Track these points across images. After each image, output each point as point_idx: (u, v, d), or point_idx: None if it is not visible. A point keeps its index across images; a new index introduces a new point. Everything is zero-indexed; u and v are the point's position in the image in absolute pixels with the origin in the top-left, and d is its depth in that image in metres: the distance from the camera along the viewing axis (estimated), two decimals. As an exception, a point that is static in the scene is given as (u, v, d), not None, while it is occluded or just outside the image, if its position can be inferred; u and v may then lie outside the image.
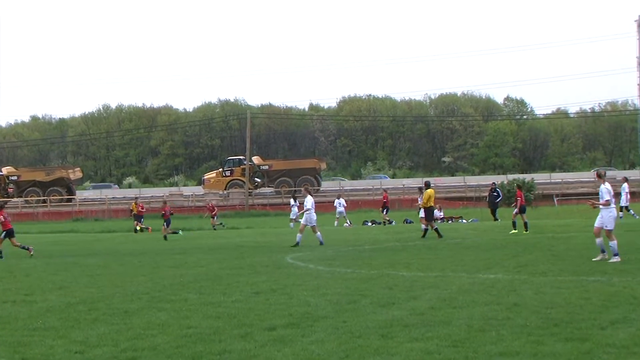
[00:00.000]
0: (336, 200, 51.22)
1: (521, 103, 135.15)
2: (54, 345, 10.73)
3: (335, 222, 49.55)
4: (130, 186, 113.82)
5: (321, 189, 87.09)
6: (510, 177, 79.55)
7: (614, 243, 19.77)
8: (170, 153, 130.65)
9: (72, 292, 16.88)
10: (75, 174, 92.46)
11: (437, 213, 52.17)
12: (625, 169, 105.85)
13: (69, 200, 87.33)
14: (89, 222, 69.52)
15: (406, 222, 50.70)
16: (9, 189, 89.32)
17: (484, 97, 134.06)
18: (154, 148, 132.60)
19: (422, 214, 36.53)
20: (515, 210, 35.11)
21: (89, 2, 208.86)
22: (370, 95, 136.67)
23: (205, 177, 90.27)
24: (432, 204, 33.12)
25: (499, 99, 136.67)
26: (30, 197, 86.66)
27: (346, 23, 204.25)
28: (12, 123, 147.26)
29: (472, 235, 32.97)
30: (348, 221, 50.06)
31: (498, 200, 47.50)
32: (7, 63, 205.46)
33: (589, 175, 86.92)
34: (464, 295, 14.33)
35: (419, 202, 37.93)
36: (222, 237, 39.50)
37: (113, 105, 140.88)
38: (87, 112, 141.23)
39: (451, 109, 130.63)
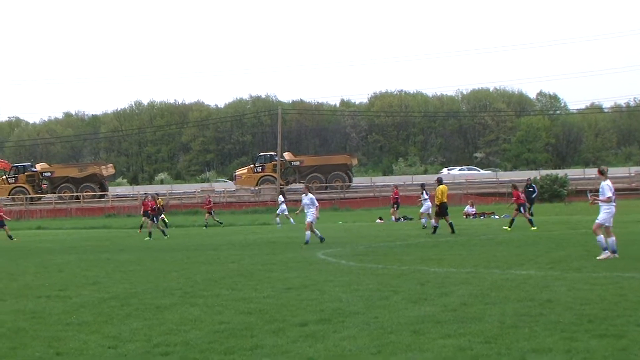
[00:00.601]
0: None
1: (554, 98, 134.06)
2: (87, 340, 10.83)
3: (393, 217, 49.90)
4: (162, 182, 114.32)
5: (352, 184, 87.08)
6: (543, 172, 79.02)
7: (600, 238, 19.78)
8: (201, 149, 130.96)
9: (105, 287, 17.02)
10: (108, 170, 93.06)
11: (470, 209, 52.03)
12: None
13: (102, 196, 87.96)
14: (121, 218, 69.98)
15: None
16: (42, 185, 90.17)
17: (516, 92, 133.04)
18: (186, 144, 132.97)
19: (423, 209, 37.81)
20: (521, 209, 35.22)
21: (119, 3, 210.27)
22: (401, 90, 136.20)
23: (236, 173, 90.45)
24: (445, 200, 33.10)
25: (532, 94, 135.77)
26: (64, 193, 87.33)
27: (377, 19, 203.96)
28: (46, 120, 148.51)
29: (504, 231, 32.83)
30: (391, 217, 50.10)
31: (534, 195, 47.16)
32: (41, 60, 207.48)
33: (624, 171, 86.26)
34: (496, 291, 14.28)
35: (420, 199, 38.96)
36: (253, 233, 39.60)
37: (145, 102, 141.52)
38: (119, 109, 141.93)
39: (483, 104, 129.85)
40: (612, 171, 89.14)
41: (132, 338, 10.90)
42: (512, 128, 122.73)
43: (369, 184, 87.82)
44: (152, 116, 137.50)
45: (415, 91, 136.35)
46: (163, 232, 38.82)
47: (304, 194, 30.90)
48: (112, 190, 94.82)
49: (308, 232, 29.22)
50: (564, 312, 11.82)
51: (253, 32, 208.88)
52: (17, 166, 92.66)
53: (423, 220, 37.68)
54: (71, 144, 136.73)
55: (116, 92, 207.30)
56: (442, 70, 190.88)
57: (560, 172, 78.43)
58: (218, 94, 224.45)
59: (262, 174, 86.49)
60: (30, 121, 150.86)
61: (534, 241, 26.39)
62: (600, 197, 20.03)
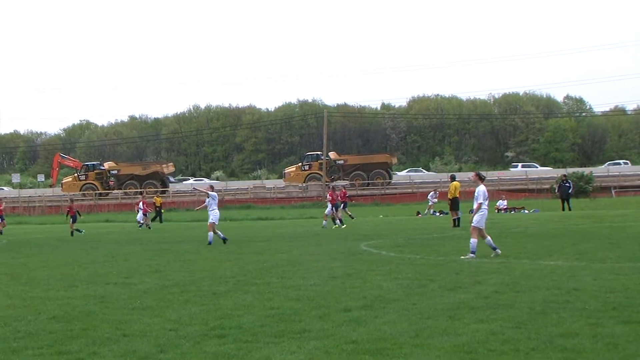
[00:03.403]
0: (431, 193, 51.71)
1: (580, 101, 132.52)
2: (150, 323, 10.91)
3: (431, 211, 49.93)
4: (217, 179, 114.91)
5: (392, 181, 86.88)
6: (570, 170, 78.09)
7: (473, 241, 18.88)
8: (253, 149, 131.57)
9: (167, 275, 17.13)
10: (169, 168, 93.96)
11: (501, 203, 51.61)
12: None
13: (163, 192, 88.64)
14: (181, 212, 70.45)
15: (471, 212, 50.22)
16: (110, 182, 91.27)
17: (544, 96, 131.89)
18: (239, 144, 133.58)
19: (327, 211, 37.32)
20: (341, 206, 36.74)
21: (181, 13, 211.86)
22: (437, 95, 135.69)
23: (286, 171, 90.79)
24: (458, 195, 33.41)
25: (559, 98, 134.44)
26: (129, 189, 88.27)
27: (416, 27, 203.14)
28: (113, 122, 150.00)
29: (534, 224, 32.52)
30: (431, 211, 50.03)
31: (570, 190, 46.62)
32: (109, 68, 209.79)
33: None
34: (526, 280, 14.14)
35: (326, 200, 39.50)
36: (300, 226, 39.64)
37: (202, 106, 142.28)
38: (179, 112, 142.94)
39: (514, 107, 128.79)
40: (635, 169, 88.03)
41: (190, 322, 10.96)
42: (540, 129, 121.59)
43: (408, 181, 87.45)
44: (209, 119, 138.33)
45: (450, 95, 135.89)
46: (79, 230, 38.62)
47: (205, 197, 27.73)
48: (173, 187, 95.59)
49: (211, 233, 26.77)
50: (589, 299, 11.67)
51: (302, 41, 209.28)
52: (87, 165, 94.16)
53: (324, 223, 36.78)
54: (135, 145, 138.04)
55: (176, 97, 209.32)
56: (476, 75, 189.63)
57: (585, 170, 77.49)
58: (269, 98, 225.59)
59: (309, 171, 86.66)
60: (99, 124, 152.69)
61: (561, 234, 26.09)
62: (475, 203, 19.13)
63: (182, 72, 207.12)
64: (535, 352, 8.53)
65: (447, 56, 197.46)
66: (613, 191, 72.13)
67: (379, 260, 19.14)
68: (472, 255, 18.64)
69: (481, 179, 19.54)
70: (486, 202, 19.16)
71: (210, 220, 27.04)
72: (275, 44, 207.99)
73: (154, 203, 53.25)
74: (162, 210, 54.06)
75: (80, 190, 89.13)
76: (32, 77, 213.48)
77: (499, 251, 18.99)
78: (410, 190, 79.22)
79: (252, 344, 9.36)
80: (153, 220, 50.03)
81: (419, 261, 18.35)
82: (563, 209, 44.66)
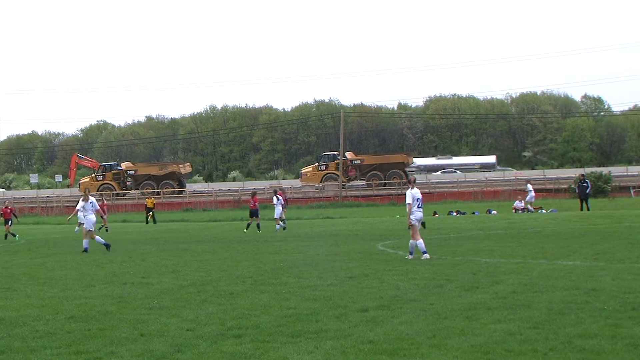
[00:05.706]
0: (528, 185, 50.75)
1: (598, 100, 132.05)
2: (167, 323, 10.94)
3: (530, 207, 48.67)
4: (234, 179, 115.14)
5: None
6: (588, 170, 77.72)
7: (412, 242, 19.20)
8: (270, 149, 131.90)
9: (184, 275, 17.18)
10: (185, 168, 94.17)
11: (519, 204, 51.36)
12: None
13: (180, 192, 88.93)
14: (197, 212, 70.60)
15: (489, 212, 50.05)
16: (127, 182, 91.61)
17: (562, 96, 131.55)
18: (256, 144, 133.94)
19: (275, 214, 37.32)
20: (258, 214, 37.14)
21: (199, 14, 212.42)
22: (455, 94, 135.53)
23: (302, 171, 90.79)
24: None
25: (577, 97, 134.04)
26: (146, 189, 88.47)
27: (433, 26, 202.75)
28: (130, 123, 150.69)
29: (551, 224, 32.36)
30: (530, 207, 49.06)
31: (588, 190, 46.33)
32: (126, 69, 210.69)
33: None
34: (544, 280, 14.08)
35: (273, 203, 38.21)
36: (318, 226, 39.63)
37: (219, 106, 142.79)
38: (195, 113, 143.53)
39: (531, 107, 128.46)
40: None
41: (208, 321, 10.99)
42: (558, 129, 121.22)
43: (425, 181, 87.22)
44: (226, 119, 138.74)
45: (467, 95, 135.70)
46: (14, 234, 38.05)
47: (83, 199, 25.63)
48: (189, 187, 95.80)
49: (86, 240, 25.24)
50: (608, 300, 11.60)
51: (319, 41, 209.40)
52: (104, 165, 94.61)
53: (277, 227, 36.60)
54: (152, 145, 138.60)
55: (193, 97, 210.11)
56: (493, 75, 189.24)
57: (604, 170, 77.04)
58: (285, 99, 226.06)
59: (325, 171, 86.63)
60: (116, 124, 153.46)
61: (580, 234, 25.95)
62: (406, 205, 19.66)
63: (199, 73, 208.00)
64: (553, 352, 8.50)
65: (464, 56, 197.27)
66: (632, 191, 71.65)
67: (396, 260, 19.13)
68: (411, 256, 19.10)
69: (409, 182, 20.49)
70: (417, 203, 19.54)
71: (85, 228, 25.51)
72: (291, 44, 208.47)
73: (145, 205, 53.15)
74: (154, 212, 53.56)
75: (97, 191, 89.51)
76: (50, 78, 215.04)
77: (427, 256, 18.97)
78: (427, 190, 78.98)
79: (269, 344, 9.38)
80: (147, 222, 50.03)
81: (436, 261, 18.33)
82: (582, 209, 44.43)
